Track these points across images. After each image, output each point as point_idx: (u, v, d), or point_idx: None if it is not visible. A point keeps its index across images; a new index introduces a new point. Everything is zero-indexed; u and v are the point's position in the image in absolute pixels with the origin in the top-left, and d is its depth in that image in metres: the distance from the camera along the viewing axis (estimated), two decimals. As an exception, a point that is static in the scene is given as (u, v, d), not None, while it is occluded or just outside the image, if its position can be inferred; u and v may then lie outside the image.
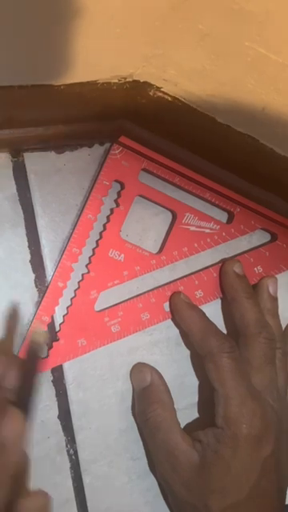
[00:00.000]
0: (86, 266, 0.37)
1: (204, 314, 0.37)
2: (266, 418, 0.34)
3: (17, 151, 0.37)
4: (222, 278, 0.39)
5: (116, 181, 0.37)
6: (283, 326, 0.40)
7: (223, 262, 0.39)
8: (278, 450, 0.34)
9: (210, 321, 0.37)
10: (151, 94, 0.34)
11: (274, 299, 0.39)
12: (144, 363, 0.38)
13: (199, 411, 0.40)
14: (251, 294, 0.38)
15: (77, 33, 0.27)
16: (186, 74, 0.31)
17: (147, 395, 0.37)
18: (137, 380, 0.38)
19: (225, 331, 0.39)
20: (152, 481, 0.38)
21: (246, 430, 0.33)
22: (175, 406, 0.37)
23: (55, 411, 0.37)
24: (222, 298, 0.40)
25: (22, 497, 0.28)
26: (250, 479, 0.33)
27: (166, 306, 0.38)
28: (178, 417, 0.36)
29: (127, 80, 0.33)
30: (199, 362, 0.38)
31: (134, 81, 0.33)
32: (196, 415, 0.39)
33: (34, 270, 0.37)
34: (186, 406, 0.39)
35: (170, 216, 0.39)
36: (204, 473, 0.33)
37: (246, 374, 0.35)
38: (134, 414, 0.38)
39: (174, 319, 0.38)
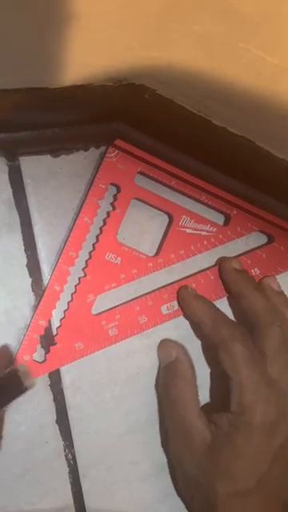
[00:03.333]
0: (83, 269, 0.37)
1: (213, 304, 0.37)
2: (280, 406, 0.34)
3: (12, 155, 0.37)
4: (223, 277, 0.38)
5: (112, 184, 0.37)
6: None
7: (220, 261, 0.39)
8: None
9: (220, 310, 0.37)
10: (147, 96, 0.34)
11: (281, 293, 0.39)
12: (171, 339, 0.38)
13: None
14: (257, 286, 0.38)
15: (72, 36, 0.27)
16: (181, 76, 0.31)
17: (171, 370, 0.37)
18: (163, 354, 0.38)
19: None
20: (151, 485, 0.38)
21: (259, 417, 0.33)
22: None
23: (53, 416, 0.37)
24: (228, 298, 0.39)
25: None
26: (260, 467, 0.33)
27: (164, 308, 0.38)
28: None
29: (122, 83, 0.33)
30: (211, 354, 0.38)
31: (130, 83, 0.33)
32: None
33: (31, 274, 0.37)
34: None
35: (166, 219, 0.39)
36: (214, 455, 0.33)
37: (261, 363, 0.35)
38: (156, 388, 0.38)
39: (183, 313, 0.38)
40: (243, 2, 0.24)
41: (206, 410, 0.35)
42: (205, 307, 0.37)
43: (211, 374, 0.39)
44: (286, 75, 0.27)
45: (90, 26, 0.26)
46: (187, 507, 0.37)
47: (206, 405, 0.39)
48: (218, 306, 0.37)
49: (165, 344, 0.38)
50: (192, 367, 0.37)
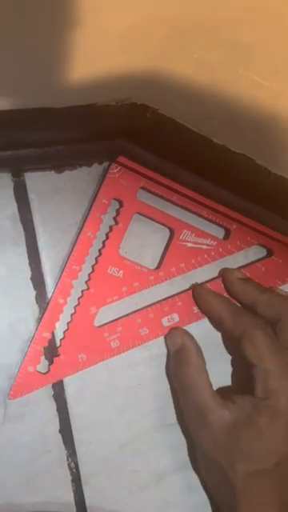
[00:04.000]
0: (86, 282, 0.38)
1: (229, 299, 0.39)
2: None
3: (18, 171, 0.38)
4: (230, 289, 0.39)
5: (115, 199, 0.38)
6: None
7: (221, 274, 0.40)
8: None
9: (237, 304, 0.38)
10: (148, 115, 0.34)
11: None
12: (178, 328, 0.39)
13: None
14: (265, 288, 0.39)
15: (76, 60, 0.27)
16: (182, 97, 0.32)
17: (178, 357, 0.38)
18: (170, 343, 0.39)
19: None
20: (151, 493, 0.39)
21: (284, 402, 0.34)
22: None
23: (56, 425, 0.38)
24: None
25: None
26: (279, 450, 0.34)
27: (165, 321, 0.39)
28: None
29: (125, 102, 0.34)
30: (232, 346, 0.39)
31: (132, 103, 0.34)
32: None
33: (35, 287, 0.38)
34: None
35: (167, 233, 0.40)
36: (235, 434, 0.34)
37: (284, 354, 0.35)
38: (168, 375, 0.39)
39: (200, 309, 0.39)
40: (241, 32, 0.25)
41: (224, 392, 0.36)
42: (223, 302, 0.38)
43: (231, 363, 0.40)
44: (282, 99, 0.28)
45: (94, 50, 0.27)
46: (207, 486, 0.38)
47: (224, 388, 0.40)
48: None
49: (171, 333, 0.39)
50: (199, 352, 0.37)
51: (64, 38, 0.26)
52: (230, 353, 0.40)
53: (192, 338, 0.38)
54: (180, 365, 0.37)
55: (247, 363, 0.36)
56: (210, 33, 0.25)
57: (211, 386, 0.36)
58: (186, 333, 0.39)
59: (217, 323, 0.39)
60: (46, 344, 0.37)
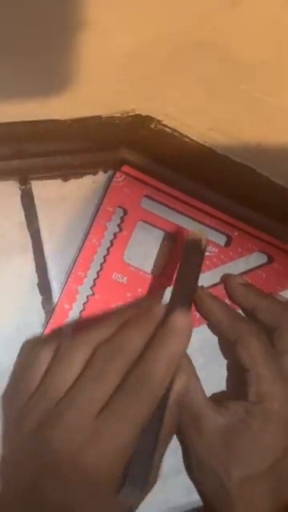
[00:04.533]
0: (91, 288, 0.39)
1: (228, 304, 0.39)
2: None
3: (25, 179, 0.39)
4: (232, 294, 0.40)
5: (119, 207, 0.39)
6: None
7: (223, 279, 0.41)
8: None
9: (234, 309, 0.39)
10: (152, 126, 0.35)
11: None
12: None
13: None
14: (266, 294, 0.39)
15: (84, 74, 0.28)
16: (185, 110, 0.33)
17: None
18: None
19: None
20: (156, 494, 0.40)
21: (277, 406, 0.34)
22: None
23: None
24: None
25: None
26: (273, 453, 0.34)
27: (167, 325, 0.40)
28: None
29: (129, 114, 0.35)
30: (228, 351, 0.40)
31: (136, 115, 0.35)
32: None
33: (42, 293, 0.39)
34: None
35: (171, 240, 0.41)
36: (229, 439, 0.34)
37: (278, 360, 0.36)
38: None
39: (199, 312, 0.39)
40: (242, 50, 0.25)
41: (218, 398, 0.37)
42: (221, 307, 0.38)
43: (227, 367, 0.41)
44: (282, 114, 0.29)
45: (100, 67, 0.28)
46: (201, 492, 0.38)
47: (217, 394, 0.40)
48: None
49: None
50: (189, 360, 0.37)
51: (72, 53, 0.27)
52: (225, 357, 0.41)
53: None
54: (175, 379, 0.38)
55: (241, 368, 0.36)
56: (210, 51, 0.26)
57: (204, 392, 0.37)
58: None
59: (214, 327, 0.40)
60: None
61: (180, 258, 0.37)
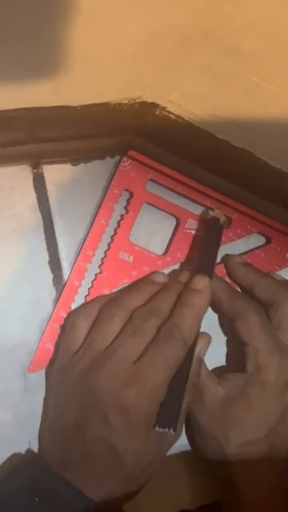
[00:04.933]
0: (99, 266, 0.41)
1: (228, 282, 0.42)
2: None
3: (37, 164, 0.41)
4: (231, 273, 0.42)
5: (126, 190, 0.41)
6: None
7: (224, 259, 0.43)
8: None
9: (234, 288, 0.42)
10: (157, 113, 0.38)
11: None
12: None
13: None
14: (264, 273, 0.42)
15: (94, 62, 0.31)
16: (188, 97, 0.35)
17: None
18: None
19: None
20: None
21: (273, 377, 0.37)
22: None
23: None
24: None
25: None
26: (269, 421, 0.37)
27: (171, 302, 0.42)
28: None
29: (136, 101, 0.37)
30: (228, 327, 0.42)
31: (143, 102, 0.37)
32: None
33: (53, 271, 0.41)
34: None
35: (174, 221, 0.43)
36: (228, 408, 0.37)
37: (274, 332, 0.39)
38: None
39: None
40: (242, 39, 0.28)
41: (219, 372, 0.40)
42: (221, 285, 0.41)
43: (226, 343, 0.44)
44: (279, 99, 0.31)
45: (110, 56, 0.30)
46: (200, 455, 0.40)
47: (217, 370, 0.42)
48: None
49: None
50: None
51: (83, 43, 0.29)
52: (225, 333, 0.44)
53: None
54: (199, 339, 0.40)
55: (240, 342, 0.39)
56: (214, 40, 0.28)
57: (206, 365, 0.39)
58: None
59: (215, 304, 0.42)
60: (63, 323, 0.40)
61: (203, 235, 0.41)
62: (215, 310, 0.43)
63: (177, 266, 0.43)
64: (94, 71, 0.32)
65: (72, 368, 0.36)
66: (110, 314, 0.37)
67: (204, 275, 0.38)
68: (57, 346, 0.40)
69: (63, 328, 0.39)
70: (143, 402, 0.34)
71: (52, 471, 0.34)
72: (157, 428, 0.34)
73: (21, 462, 0.36)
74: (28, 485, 0.34)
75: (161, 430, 0.34)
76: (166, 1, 0.25)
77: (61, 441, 0.36)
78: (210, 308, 0.43)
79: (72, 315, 0.39)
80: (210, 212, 0.41)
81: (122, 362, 0.35)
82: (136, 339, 0.35)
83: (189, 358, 0.36)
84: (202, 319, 0.37)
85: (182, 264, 0.42)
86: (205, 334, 0.39)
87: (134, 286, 0.40)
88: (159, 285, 0.39)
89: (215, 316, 0.43)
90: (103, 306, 0.38)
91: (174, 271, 0.42)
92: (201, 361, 0.38)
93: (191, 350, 0.36)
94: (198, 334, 0.37)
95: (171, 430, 0.34)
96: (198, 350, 0.37)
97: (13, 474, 0.35)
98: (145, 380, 0.34)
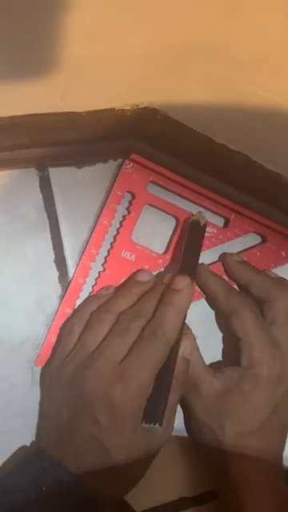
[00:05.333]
0: (102, 265, 0.43)
1: (225, 279, 0.44)
2: (284, 364, 0.39)
3: (43, 166, 0.43)
4: (228, 270, 0.44)
5: (128, 192, 0.43)
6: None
7: (222, 258, 0.45)
8: None
9: (231, 285, 0.43)
10: (159, 118, 0.39)
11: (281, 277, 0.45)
12: None
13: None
14: (260, 271, 0.43)
15: (100, 70, 0.33)
16: (188, 103, 0.36)
17: None
18: None
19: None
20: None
21: (266, 371, 0.39)
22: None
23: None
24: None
25: None
26: (263, 413, 0.39)
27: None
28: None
29: (139, 107, 0.38)
30: (224, 322, 0.44)
31: (145, 107, 0.38)
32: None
33: (58, 269, 0.43)
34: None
35: (174, 222, 0.45)
36: (223, 399, 0.39)
37: (268, 328, 0.40)
38: None
39: (199, 286, 0.44)
40: (239, 50, 0.30)
41: (214, 366, 0.41)
42: (218, 282, 0.43)
43: (222, 339, 0.45)
44: (275, 106, 0.33)
45: (115, 65, 0.32)
46: (197, 446, 0.42)
47: (214, 364, 0.44)
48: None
49: None
50: (189, 331, 0.42)
51: (90, 53, 0.31)
52: (221, 330, 0.45)
53: None
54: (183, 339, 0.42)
55: (235, 337, 0.41)
56: (213, 51, 0.30)
57: (202, 359, 0.41)
58: None
59: (211, 300, 0.44)
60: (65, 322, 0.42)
61: (185, 237, 0.42)
62: (212, 306, 0.45)
63: (176, 264, 0.44)
64: (100, 79, 0.33)
65: (64, 369, 0.38)
66: (99, 318, 0.39)
67: (185, 275, 0.39)
68: (55, 346, 0.41)
69: (61, 332, 0.41)
70: (129, 399, 0.35)
71: (56, 462, 0.36)
72: (143, 424, 0.35)
73: (28, 455, 0.37)
74: (36, 476, 0.36)
75: (147, 425, 0.35)
76: (168, 16, 0.27)
77: (56, 439, 0.37)
78: (207, 304, 0.45)
79: (69, 320, 0.41)
80: (193, 215, 0.43)
81: (109, 362, 0.36)
82: (122, 340, 0.37)
83: (173, 356, 0.38)
84: (184, 317, 0.39)
85: (166, 267, 0.44)
86: (189, 333, 0.40)
87: (122, 288, 0.41)
88: (144, 284, 0.41)
89: (213, 312, 0.45)
90: (94, 311, 0.40)
91: (159, 273, 0.44)
92: (186, 360, 0.39)
93: (176, 348, 0.38)
94: (181, 332, 0.39)
95: (157, 425, 0.35)
96: (182, 349, 0.39)
97: (21, 466, 0.37)
98: (130, 378, 0.35)
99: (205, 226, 0.42)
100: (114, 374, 0.36)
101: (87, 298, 0.42)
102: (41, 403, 0.41)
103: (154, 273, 0.44)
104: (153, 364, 0.36)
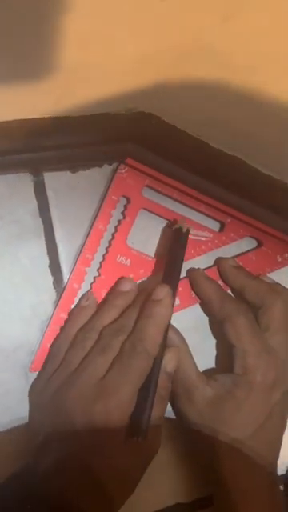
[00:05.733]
0: (98, 269, 0.43)
1: (219, 284, 0.43)
2: (278, 371, 0.39)
3: (37, 171, 0.42)
4: (223, 275, 0.44)
5: (123, 196, 0.43)
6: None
7: (217, 262, 0.45)
8: (284, 401, 0.39)
9: (225, 291, 0.43)
10: (153, 122, 0.39)
11: (276, 282, 0.44)
12: None
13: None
14: (255, 276, 0.43)
15: (94, 76, 0.32)
16: (183, 107, 0.36)
17: None
18: None
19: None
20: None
21: (260, 378, 0.38)
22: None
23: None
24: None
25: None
26: (257, 420, 0.38)
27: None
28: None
29: (133, 111, 0.38)
30: (218, 328, 0.43)
31: (140, 112, 0.38)
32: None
33: (53, 274, 0.42)
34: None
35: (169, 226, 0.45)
36: (216, 407, 0.39)
37: (261, 334, 0.40)
38: None
39: (193, 291, 0.44)
40: (235, 56, 0.29)
41: (210, 373, 0.41)
42: (213, 287, 0.42)
43: (216, 345, 0.45)
44: (269, 110, 0.33)
45: (110, 70, 0.32)
46: (194, 453, 0.42)
47: (210, 370, 0.44)
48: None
49: None
50: (181, 338, 0.42)
51: (85, 58, 0.31)
52: (215, 336, 0.45)
53: (170, 325, 0.42)
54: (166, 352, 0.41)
55: (229, 344, 0.40)
56: (208, 57, 0.30)
57: (196, 366, 0.41)
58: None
59: (205, 305, 0.44)
60: (63, 324, 0.42)
61: (168, 245, 0.42)
62: (206, 311, 0.45)
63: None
64: (95, 84, 0.33)
65: (47, 388, 0.38)
66: (83, 336, 0.39)
67: (165, 285, 0.39)
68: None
69: (48, 352, 0.41)
70: (111, 414, 0.35)
71: (43, 477, 0.34)
72: (128, 438, 0.35)
73: (17, 469, 0.36)
74: (20, 492, 0.34)
75: (130, 439, 0.35)
76: (164, 21, 0.27)
77: (39, 456, 0.36)
78: (201, 310, 0.45)
79: (56, 340, 0.41)
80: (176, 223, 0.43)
81: (90, 378, 0.36)
82: (104, 356, 0.37)
83: (156, 370, 0.37)
84: (165, 328, 0.38)
85: (149, 277, 0.44)
86: (173, 347, 0.40)
87: (105, 302, 0.41)
88: (127, 294, 0.41)
89: (207, 318, 0.45)
90: (79, 330, 0.39)
91: (143, 282, 0.43)
92: (169, 374, 0.39)
93: (159, 361, 0.37)
94: (164, 345, 0.38)
95: (140, 439, 0.35)
96: (164, 362, 0.38)
97: (10, 481, 0.36)
98: (110, 394, 0.35)
99: (188, 232, 0.42)
100: (95, 390, 0.35)
101: (71, 314, 0.41)
102: (27, 423, 0.41)
103: (150, 277, 0.44)
104: (133, 378, 0.36)
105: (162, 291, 0.38)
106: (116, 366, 0.36)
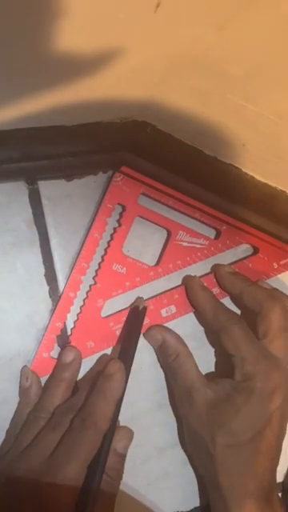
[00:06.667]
0: (93, 278, 0.42)
1: (214, 295, 0.43)
2: (277, 377, 0.39)
3: (32, 179, 0.42)
4: (220, 281, 0.44)
5: (118, 204, 0.43)
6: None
7: (213, 269, 0.45)
8: (284, 407, 0.39)
9: (219, 300, 0.43)
10: (148, 130, 0.39)
11: (274, 288, 0.44)
12: (154, 326, 0.43)
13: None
14: (253, 282, 0.43)
15: (88, 84, 0.32)
16: (178, 116, 0.36)
17: (164, 350, 0.42)
18: (151, 341, 0.43)
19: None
20: (154, 465, 0.43)
21: (260, 384, 0.38)
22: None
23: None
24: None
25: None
26: (255, 426, 0.38)
27: (163, 312, 0.44)
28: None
29: (128, 120, 0.38)
30: (214, 338, 0.44)
31: (134, 120, 0.38)
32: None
33: (49, 283, 0.42)
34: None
35: (165, 234, 0.45)
36: (215, 410, 0.39)
37: (261, 341, 0.40)
38: (161, 367, 0.44)
39: (189, 299, 0.44)
40: (229, 64, 0.29)
41: (210, 377, 0.41)
42: (207, 297, 0.43)
43: (214, 352, 0.45)
44: (263, 120, 0.33)
45: (103, 79, 0.32)
46: (190, 457, 0.42)
47: (208, 376, 0.43)
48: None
49: (148, 332, 0.43)
50: (181, 341, 0.42)
51: (78, 68, 0.30)
52: (211, 344, 0.45)
53: (169, 330, 0.43)
54: (167, 356, 0.42)
55: (227, 353, 0.40)
56: (201, 66, 0.30)
57: (197, 368, 0.41)
58: (164, 328, 0.43)
59: (199, 315, 0.44)
60: (59, 333, 0.42)
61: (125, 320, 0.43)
62: (200, 321, 0.45)
63: (168, 277, 0.44)
64: (89, 93, 0.33)
65: (1, 463, 0.37)
66: (35, 417, 0.38)
67: (117, 360, 0.39)
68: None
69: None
70: (58, 490, 0.34)
71: None
72: None
73: None
74: None
75: None
76: (159, 29, 0.27)
77: None
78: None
79: (11, 421, 0.41)
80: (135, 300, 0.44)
81: (39, 456, 0.35)
82: (53, 434, 0.36)
83: (106, 447, 0.36)
84: (115, 403, 0.38)
85: (113, 348, 0.43)
86: (125, 426, 0.40)
87: (51, 378, 0.41)
88: (71, 365, 0.41)
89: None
90: (30, 411, 0.39)
91: (102, 356, 0.43)
92: (119, 454, 0.39)
93: (109, 439, 0.37)
94: (115, 422, 0.38)
95: None
96: (114, 442, 0.38)
97: None
98: (58, 469, 0.34)
99: (144, 310, 0.42)
100: (44, 465, 0.35)
101: (19, 394, 0.41)
102: None
103: (146, 285, 0.44)
104: (81, 454, 0.35)
105: (114, 366, 0.38)
106: (65, 441, 0.36)
